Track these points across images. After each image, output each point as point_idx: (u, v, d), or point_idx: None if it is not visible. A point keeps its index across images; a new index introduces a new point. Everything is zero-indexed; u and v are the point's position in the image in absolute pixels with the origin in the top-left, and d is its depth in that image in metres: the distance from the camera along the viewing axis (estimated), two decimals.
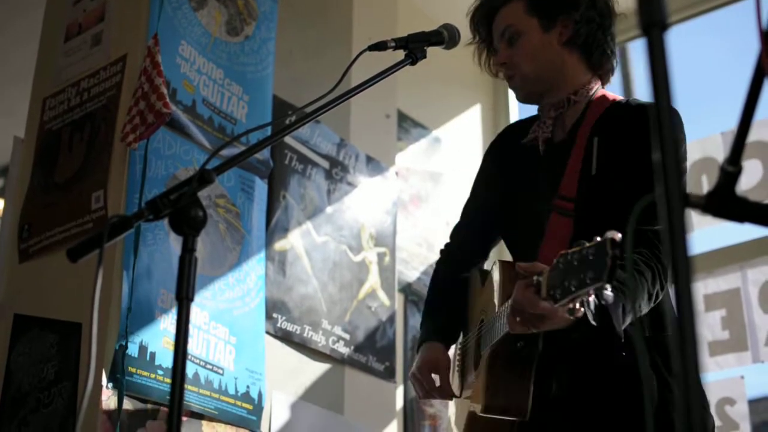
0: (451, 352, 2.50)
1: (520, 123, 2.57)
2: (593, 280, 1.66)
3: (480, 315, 2.32)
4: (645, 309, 2.04)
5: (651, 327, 2.14)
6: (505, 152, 2.52)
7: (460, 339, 2.51)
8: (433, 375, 2.39)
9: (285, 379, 3.48)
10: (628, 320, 1.97)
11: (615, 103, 2.32)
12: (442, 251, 2.67)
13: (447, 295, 2.56)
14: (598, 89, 2.37)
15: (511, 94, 5.04)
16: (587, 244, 1.69)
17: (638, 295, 2.00)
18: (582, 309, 1.81)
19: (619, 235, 1.64)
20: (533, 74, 2.35)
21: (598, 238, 1.67)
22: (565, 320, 1.88)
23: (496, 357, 2.13)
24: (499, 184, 2.49)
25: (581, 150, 2.25)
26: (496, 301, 2.17)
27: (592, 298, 1.76)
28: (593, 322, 1.90)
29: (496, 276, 2.22)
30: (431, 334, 2.47)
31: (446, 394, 2.38)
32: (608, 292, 1.70)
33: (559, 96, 2.35)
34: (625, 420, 2.08)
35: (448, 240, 2.65)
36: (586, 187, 2.20)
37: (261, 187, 3.51)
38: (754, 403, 4.48)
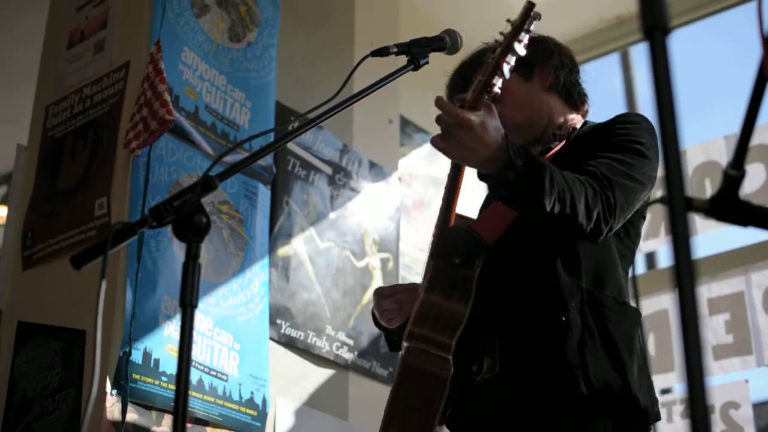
0: None
1: None
2: (506, 32, 1.79)
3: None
4: (581, 216, 1.99)
5: (593, 282, 2.13)
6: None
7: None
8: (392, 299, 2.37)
9: (289, 385, 3.48)
10: (558, 201, 1.94)
11: (588, 125, 2.39)
12: None
13: None
14: (581, 123, 2.42)
15: None
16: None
17: (575, 189, 1.98)
18: (498, 91, 1.91)
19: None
20: (527, 122, 2.39)
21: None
22: (485, 139, 1.91)
23: (434, 280, 2.10)
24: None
25: (549, 158, 2.29)
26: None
27: (507, 69, 1.86)
28: (515, 160, 1.92)
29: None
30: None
31: (402, 311, 2.35)
32: (521, 47, 1.79)
33: (547, 135, 2.40)
34: (538, 367, 2.06)
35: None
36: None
37: (264, 193, 3.51)
38: (759, 407, 4.47)
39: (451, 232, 2.14)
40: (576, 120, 2.41)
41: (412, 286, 2.38)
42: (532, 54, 2.31)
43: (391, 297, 2.37)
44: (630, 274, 2.30)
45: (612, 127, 2.25)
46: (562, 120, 2.39)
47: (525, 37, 1.91)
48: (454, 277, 2.09)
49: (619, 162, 2.13)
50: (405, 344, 2.08)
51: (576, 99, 2.44)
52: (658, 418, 2.16)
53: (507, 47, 1.91)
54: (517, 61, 2.31)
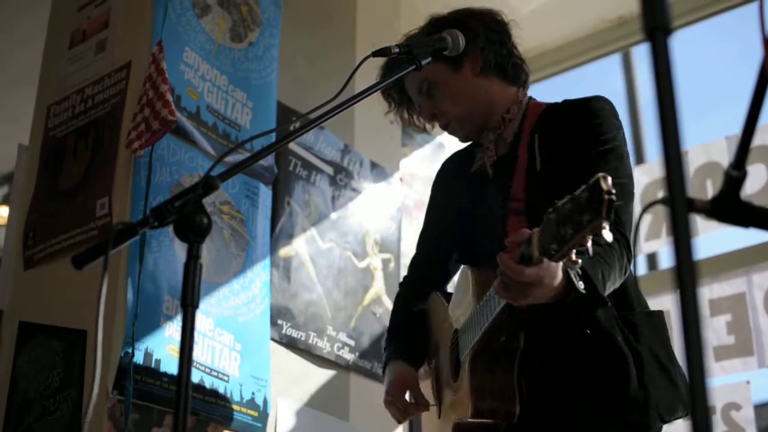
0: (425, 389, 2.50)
1: (460, 153, 2.62)
2: (590, 220, 1.58)
3: (452, 326, 2.32)
4: (620, 279, 2.06)
5: (616, 306, 2.16)
6: (453, 182, 2.56)
7: (429, 365, 2.51)
8: (405, 392, 2.41)
9: (290, 385, 3.48)
10: (610, 289, 2.00)
11: (548, 106, 2.39)
12: (400, 285, 2.71)
13: (408, 321, 2.58)
14: (528, 100, 2.43)
15: None
16: (579, 191, 1.63)
17: (612, 263, 2.01)
18: (579, 261, 1.75)
19: (608, 176, 1.59)
20: (465, 113, 2.40)
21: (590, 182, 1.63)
22: (552, 287, 1.87)
23: (479, 357, 2.12)
24: (451, 211, 2.52)
25: (525, 153, 2.31)
26: (471, 298, 2.17)
27: (589, 244, 1.68)
28: (580, 285, 1.88)
29: (468, 277, 2.21)
30: (394, 354, 2.50)
31: (423, 406, 2.39)
32: (607, 232, 1.62)
33: (494, 121, 2.39)
34: (600, 400, 2.10)
35: (405, 273, 2.69)
36: (534, 184, 2.25)
37: (265, 193, 3.51)
38: (760, 408, 4.46)
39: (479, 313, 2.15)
40: (521, 95, 2.41)
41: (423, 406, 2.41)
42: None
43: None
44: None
45: (587, 127, 2.24)
46: (505, 102, 2.39)
47: (608, 225, 1.65)
48: (500, 352, 2.12)
49: (613, 179, 2.14)
50: (469, 421, 2.13)
51: (512, 73, 2.42)
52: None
53: (595, 229, 1.64)
54: (443, 54, 2.30)
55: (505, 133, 2.39)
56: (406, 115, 2.57)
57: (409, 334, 2.53)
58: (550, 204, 1.85)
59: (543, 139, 2.30)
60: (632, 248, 2.09)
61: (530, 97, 2.45)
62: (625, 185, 2.16)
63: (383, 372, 2.51)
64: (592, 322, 2.12)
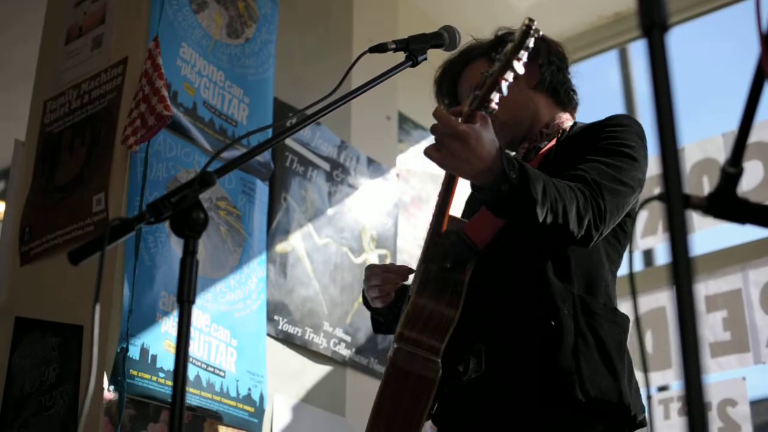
0: None
1: None
2: (507, 48, 1.72)
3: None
4: (573, 223, 2.00)
5: (584, 288, 2.16)
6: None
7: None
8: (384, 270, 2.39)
9: (286, 381, 3.48)
10: (551, 211, 1.96)
11: (577, 125, 2.39)
12: None
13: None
14: (570, 122, 2.43)
15: None
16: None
17: (567, 197, 1.99)
18: (495, 107, 1.85)
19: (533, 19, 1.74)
20: (512, 120, 2.39)
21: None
22: (480, 152, 1.90)
23: (424, 283, 2.10)
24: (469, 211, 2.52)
25: (539, 157, 2.30)
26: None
27: (505, 85, 1.80)
28: (509, 173, 1.91)
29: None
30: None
31: (403, 272, 2.37)
32: (519, 65, 1.73)
33: (533, 134, 2.41)
34: (527, 370, 2.07)
35: None
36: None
37: (262, 189, 3.51)
38: (756, 405, 4.48)
39: (443, 236, 2.14)
40: (564, 118, 2.42)
41: (404, 269, 2.39)
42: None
43: (379, 275, 2.37)
44: (627, 272, 2.30)
45: (601, 129, 2.25)
46: (549, 118, 2.41)
47: (524, 55, 1.87)
48: (444, 281, 2.10)
49: (608, 166, 2.14)
50: (394, 345, 2.11)
51: (563, 97, 2.45)
52: (644, 425, 2.18)
53: (506, 64, 1.86)
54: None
55: (540, 145, 2.39)
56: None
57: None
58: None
59: (562, 146, 2.30)
60: (604, 219, 2.06)
61: (576, 122, 2.44)
62: (623, 181, 2.15)
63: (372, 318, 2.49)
64: (545, 295, 2.10)
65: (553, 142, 2.34)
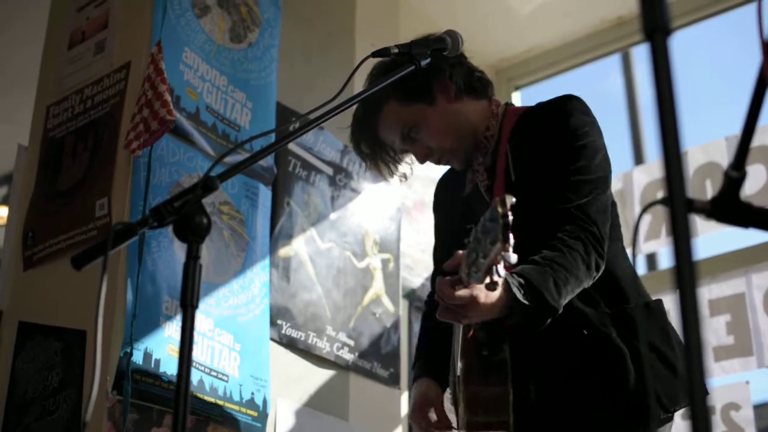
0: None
1: (449, 175, 2.64)
2: (493, 243, 1.68)
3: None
4: (586, 279, 2.08)
5: (609, 303, 2.19)
6: (447, 207, 2.58)
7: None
8: (428, 411, 2.40)
9: (289, 385, 3.48)
10: (569, 292, 2.03)
11: (524, 111, 2.39)
12: (425, 302, 2.72)
13: (435, 337, 2.56)
14: (505, 107, 2.43)
15: (513, 97, 5.04)
16: (484, 214, 1.74)
17: (571, 267, 2.03)
18: (497, 280, 1.82)
19: (505, 196, 1.68)
20: (455, 143, 2.39)
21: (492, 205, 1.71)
22: (491, 305, 1.92)
23: (469, 372, 2.13)
24: (449, 234, 2.54)
25: (503, 159, 2.31)
26: None
27: (500, 266, 1.77)
28: (524, 301, 1.94)
29: None
30: (420, 371, 2.50)
31: (444, 426, 2.39)
32: (510, 254, 1.70)
33: (480, 142, 2.40)
34: (602, 400, 2.13)
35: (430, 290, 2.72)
36: (511, 190, 2.23)
37: (265, 193, 3.51)
38: (760, 409, 4.46)
39: (470, 329, 2.16)
40: (493, 108, 2.41)
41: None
42: (423, 77, 2.29)
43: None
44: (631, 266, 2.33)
45: (553, 125, 2.25)
46: (483, 119, 2.39)
47: (511, 243, 1.73)
48: (487, 367, 2.13)
49: (577, 172, 2.16)
50: None
51: (478, 87, 2.43)
52: None
53: (495, 257, 1.76)
54: (413, 93, 2.30)
55: (491, 150, 2.39)
56: (382, 167, 2.51)
57: (436, 351, 2.51)
58: (524, 209, 1.87)
59: (515, 144, 2.31)
60: (603, 242, 2.12)
61: (507, 104, 2.45)
62: (594, 181, 2.17)
63: (410, 388, 2.53)
64: (585, 322, 2.14)
65: (504, 147, 2.33)
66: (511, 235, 1.66)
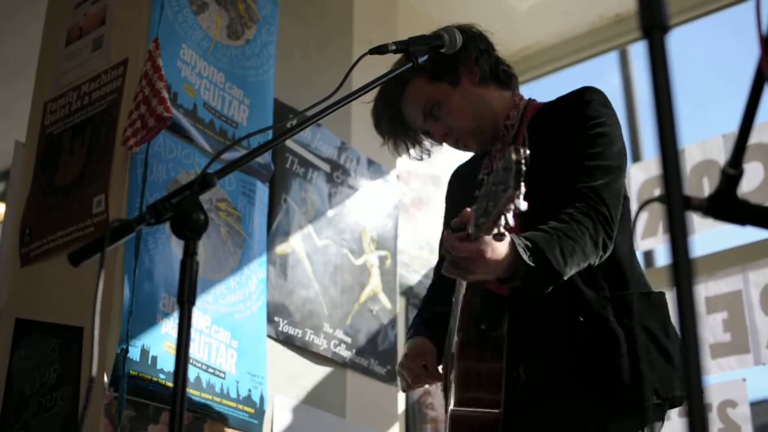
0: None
1: (467, 164, 2.64)
2: (505, 189, 1.68)
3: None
4: (593, 256, 2.07)
5: (611, 288, 2.20)
6: (460, 196, 2.56)
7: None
8: (420, 361, 2.40)
9: (287, 382, 3.48)
10: (574, 263, 2.02)
11: (545, 105, 2.41)
12: (428, 288, 2.74)
13: (435, 298, 2.59)
14: (528, 102, 2.45)
15: None
16: (498, 164, 1.73)
17: (578, 239, 2.04)
18: (505, 232, 1.80)
19: (521, 145, 1.69)
20: (475, 125, 2.41)
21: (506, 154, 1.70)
22: (496, 261, 1.91)
23: (465, 347, 2.13)
24: None
25: None
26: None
27: (510, 215, 1.75)
28: (529, 262, 1.93)
29: None
30: (417, 329, 2.51)
31: (435, 377, 2.39)
32: (521, 201, 1.69)
33: (500, 129, 2.42)
34: (593, 384, 2.12)
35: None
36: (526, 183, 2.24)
37: (262, 190, 3.51)
38: (756, 406, 4.48)
39: (470, 302, 2.16)
40: (516, 99, 2.44)
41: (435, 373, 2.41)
42: (452, 58, 2.31)
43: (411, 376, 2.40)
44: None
45: (571, 115, 2.27)
46: (505, 108, 2.42)
47: (523, 188, 1.72)
48: (484, 342, 2.13)
49: (591, 157, 2.17)
50: (453, 410, 2.13)
51: (504, 78, 2.45)
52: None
53: (508, 201, 1.73)
54: (439, 72, 2.33)
55: (510, 138, 2.40)
56: (402, 146, 2.54)
57: (433, 310, 2.53)
58: (542, 197, 1.86)
59: (534, 133, 2.32)
60: (613, 224, 2.12)
61: (530, 99, 2.47)
62: (609, 167, 2.18)
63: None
64: (584, 307, 2.15)
65: (522, 136, 2.35)
66: (523, 184, 1.65)
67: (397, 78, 2.30)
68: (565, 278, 2.02)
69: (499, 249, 1.91)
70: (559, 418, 2.16)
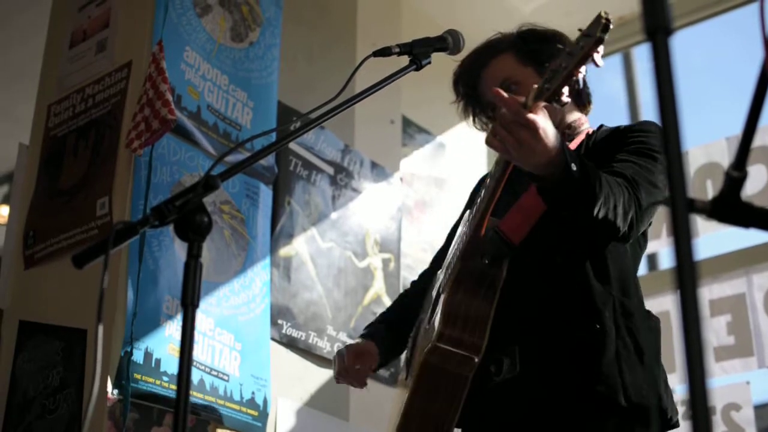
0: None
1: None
2: (587, 37, 1.69)
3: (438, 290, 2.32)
4: (621, 220, 2.00)
5: (620, 290, 2.17)
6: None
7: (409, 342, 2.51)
8: (358, 357, 2.43)
9: (290, 385, 3.48)
10: (608, 204, 1.95)
11: (605, 127, 2.39)
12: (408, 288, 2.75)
13: (401, 312, 2.60)
14: (587, 124, 2.43)
15: None
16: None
17: (615, 190, 1.99)
18: (568, 100, 1.80)
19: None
20: None
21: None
22: (545, 144, 1.86)
23: (462, 279, 2.10)
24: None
25: None
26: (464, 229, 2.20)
27: (581, 77, 1.75)
28: (573, 166, 1.88)
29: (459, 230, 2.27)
30: (367, 333, 2.55)
31: (360, 379, 2.43)
32: (599, 56, 1.69)
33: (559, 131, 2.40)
34: (572, 371, 2.07)
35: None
36: None
37: (266, 193, 3.51)
38: (760, 409, 4.46)
39: (478, 237, 2.14)
40: (582, 120, 2.42)
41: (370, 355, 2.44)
42: (549, 50, 2.32)
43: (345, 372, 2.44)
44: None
45: (630, 132, 2.25)
46: (571, 119, 2.40)
47: (601, 49, 1.81)
48: (482, 276, 2.10)
49: (640, 167, 2.14)
50: (432, 344, 2.08)
51: (584, 99, 2.45)
52: (677, 426, 2.19)
53: (585, 56, 1.79)
54: (533, 56, 2.33)
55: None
56: (470, 110, 2.54)
57: (393, 326, 2.56)
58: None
59: (589, 145, 2.30)
60: (640, 217, 2.07)
61: (601, 126, 2.43)
62: (655, 183, 2.12)
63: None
64: (598, 316, 2.09)
65: (578, 140, 2.33)
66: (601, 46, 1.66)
67: (489, 45, 2.35)
68: (594, 211, 1.93)
69: (551, 134, 1.88)
70: (535, 415, 2.12)
